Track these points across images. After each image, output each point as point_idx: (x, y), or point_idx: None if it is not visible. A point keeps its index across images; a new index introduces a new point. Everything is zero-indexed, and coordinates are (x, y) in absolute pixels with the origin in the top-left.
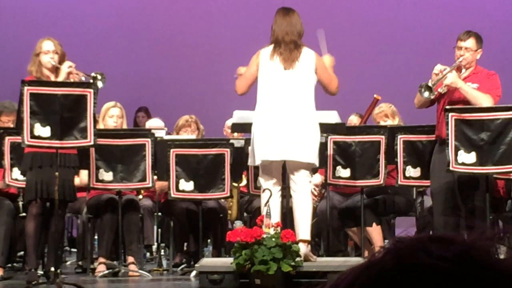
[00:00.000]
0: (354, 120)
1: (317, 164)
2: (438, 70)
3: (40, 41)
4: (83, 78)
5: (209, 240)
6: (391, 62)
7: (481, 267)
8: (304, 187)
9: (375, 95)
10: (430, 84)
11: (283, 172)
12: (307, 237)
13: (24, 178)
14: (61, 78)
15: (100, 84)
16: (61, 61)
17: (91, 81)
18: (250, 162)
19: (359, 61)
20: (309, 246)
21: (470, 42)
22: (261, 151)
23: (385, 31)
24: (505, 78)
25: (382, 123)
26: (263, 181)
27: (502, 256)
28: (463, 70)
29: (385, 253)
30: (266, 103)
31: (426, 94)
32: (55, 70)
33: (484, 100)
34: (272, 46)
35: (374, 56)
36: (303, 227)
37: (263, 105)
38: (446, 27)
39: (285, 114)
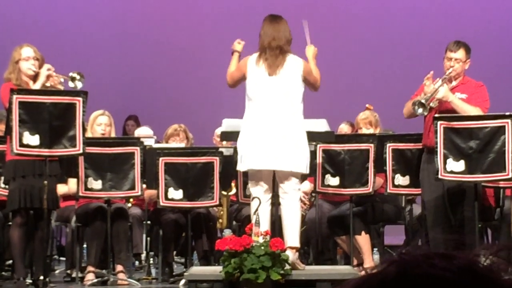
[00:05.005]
0: (344, 128)
1: (307, 171)
2: (432, 87)
3: (18, 48)
4: (62, 80)
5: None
6: (382, 71)
7: (484, 280)
8: (293, 195)
9: (367, 105)
10: (423, 101)
11: (273, 179)
12: (296, 244)
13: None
14: (40, 81)
15: (79, 84)
16: (40, 67)
17: (70, 81)
18: (238, 167)
19: (350, 70)
20: (297, 253)
21: (460, 53)
22: (248, 159)
23: (376, 40)
24: (494, 86)
25: (364, 130)
26: (252, 189)
27: None
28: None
29: (389, 264)
30: (252, 109)
31: (420, 110)
32: (35, 76)
33: (474, 113)
34: (258, 52)
35: (365, 65)
36: (292, 234)
37: (250, 112)
38: (437, 36)
39: (270, 121)
